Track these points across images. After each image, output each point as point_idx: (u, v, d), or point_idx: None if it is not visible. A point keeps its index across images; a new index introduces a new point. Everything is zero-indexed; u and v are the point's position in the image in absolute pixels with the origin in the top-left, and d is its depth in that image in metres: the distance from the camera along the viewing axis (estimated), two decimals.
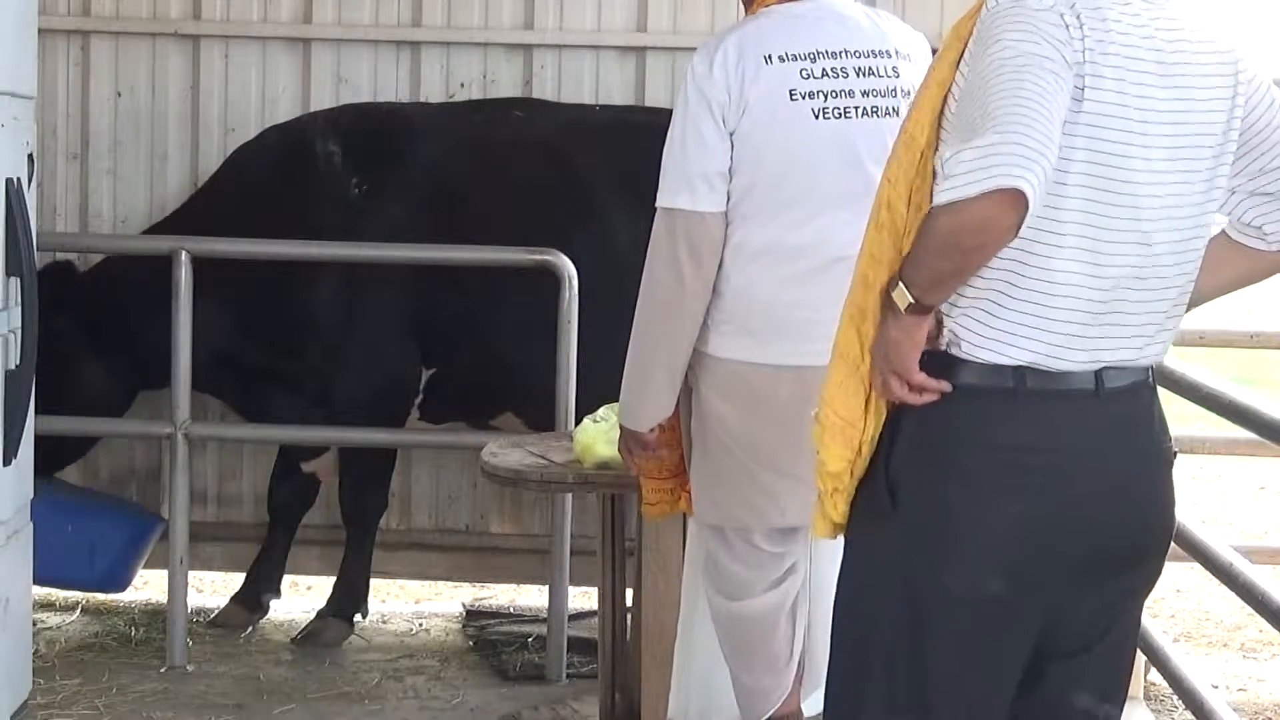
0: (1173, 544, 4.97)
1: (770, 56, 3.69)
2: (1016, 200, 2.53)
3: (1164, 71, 2.73)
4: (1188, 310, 2.91)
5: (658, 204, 3.73)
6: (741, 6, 3.90)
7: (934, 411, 2.74)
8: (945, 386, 2.73)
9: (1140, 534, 2.83)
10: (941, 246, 2.60)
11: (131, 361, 5.83)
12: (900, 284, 2.68)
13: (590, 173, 5.70)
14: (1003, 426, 2.73)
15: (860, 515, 2.83)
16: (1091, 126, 2.68)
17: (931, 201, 2.62)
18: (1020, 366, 2.72)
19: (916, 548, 2.75)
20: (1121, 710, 2.96)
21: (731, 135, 3.68)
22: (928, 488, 2.74)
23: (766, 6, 3.81)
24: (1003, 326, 2.73)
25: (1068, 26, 2.67)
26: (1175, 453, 2.89)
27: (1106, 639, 2.87)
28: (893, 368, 2.73)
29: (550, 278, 5.35)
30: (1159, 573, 2.91)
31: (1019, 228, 2.57)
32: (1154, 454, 2.84)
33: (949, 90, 2.76)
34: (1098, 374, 2.75)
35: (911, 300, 2.67)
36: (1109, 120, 2.68)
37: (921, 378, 2.72)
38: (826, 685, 2.94)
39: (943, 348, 2.76)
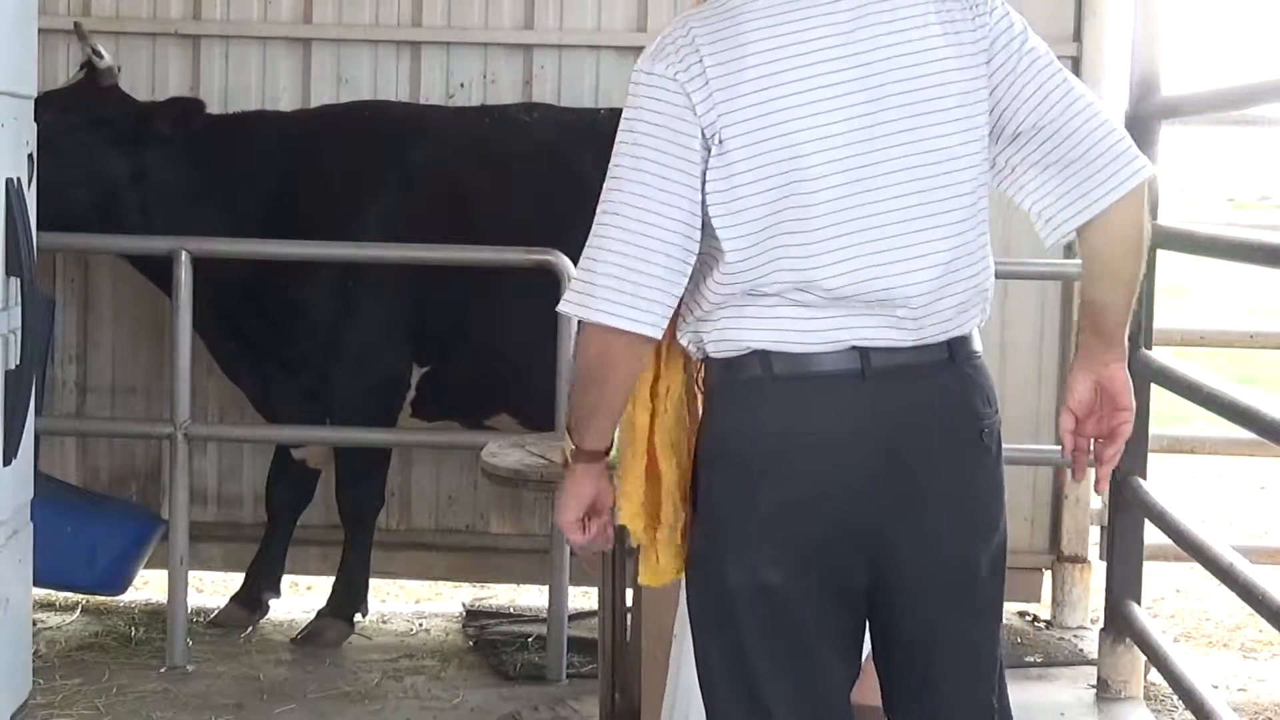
0: (1173, 544, 5.00)
1: None
2: (623, 334, 2.68)
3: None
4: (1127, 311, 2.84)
5: None
6: None
7: (706, 411, 2.81)
8: (606, 545, 2.89)
9: (933, 520, 2.73)
10: (580, 381, 2.78)
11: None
12: (568, 432, 2.82)
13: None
14: (751, 415, 2.74)
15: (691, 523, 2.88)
16: (751, 159, 2.67)
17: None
18: (764, 351, 2.71)
19: (709, 546, 2.79)
20: (1003, 696, 2.89)
21: None
22: (706, 487, 2.80)
23: None
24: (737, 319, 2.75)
25: (690, 98, 2.66)
26: (987, 429, 2.77)
27: (953, 627, 2.80)
28: (558, 518, 2.87)
29: (545, 277, 5.35)
30: (981, 561, 2.80)
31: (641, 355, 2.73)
32: (945, 434, 2.73)
33: None
34: (860, 352, 2.71)
35: (573, 447, 2.82)
36: (760, 150, 2.67)
37: (580, 538, 2.87)
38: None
39: (699, 358, 2.82)
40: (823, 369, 2.70)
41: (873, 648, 2.88)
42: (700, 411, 2.87)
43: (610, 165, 2.73)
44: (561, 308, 2.77)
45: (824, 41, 2.69)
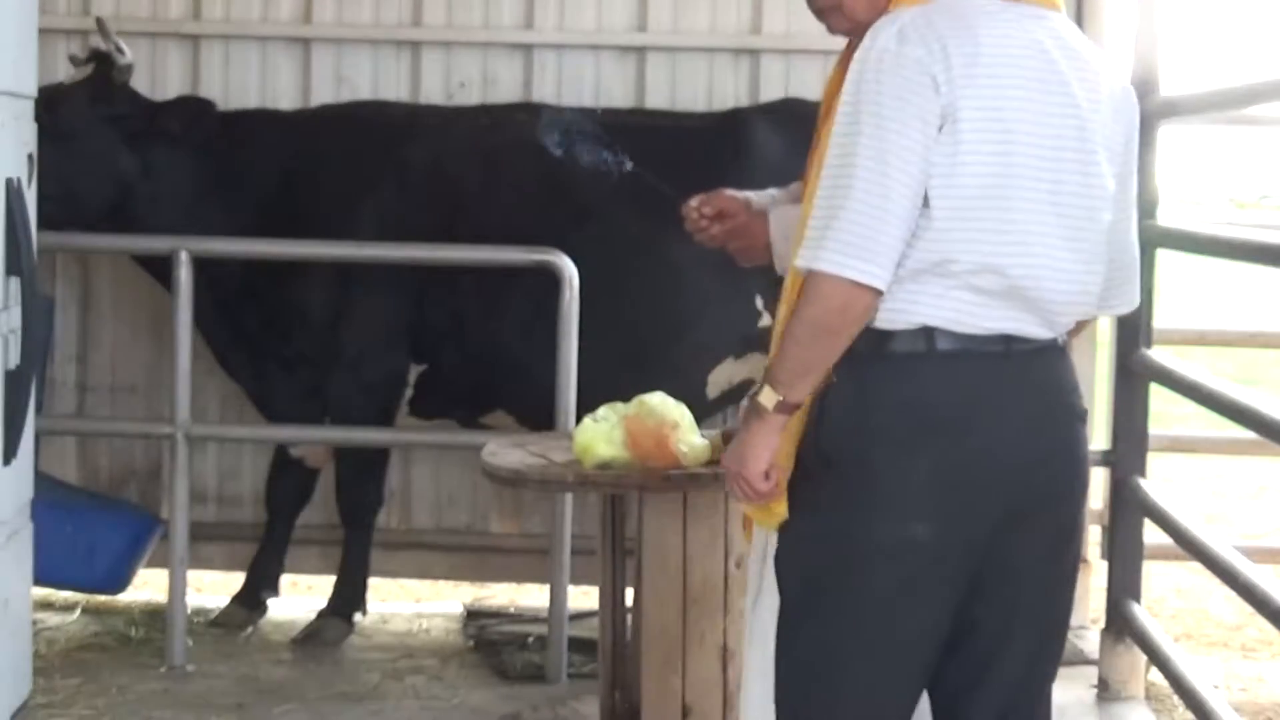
0: (1173, 544, 5.01)
1: None
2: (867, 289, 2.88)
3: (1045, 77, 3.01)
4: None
5: None
6: None
7: (855, 376, 2.97)
8: (781, 497, 3.04)
9: (1048, 482, 3.03)
10: (808, 334, 2.92)
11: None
12: (766, 386, 2.97)
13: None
14: (912, 385, 2.96)
15: (797, 482, 3.05)
16: (976, 146, 2.93)
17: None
18: (930, 328, 2.96)
19: (848, 504, 2.98)
20: (1055, 673, 3.23)
21: None
22: (854, 447, 2.97)
23: None
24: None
25: (933, 78, 2.91)
26: (1085, 410, 3.12)
27: (1034, 594, 3.08)
28: (744, 469, 3.01)
29: (546, 276, 5.35)
30: (1078, 526, 3.14)
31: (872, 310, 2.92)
32: (1062, 409, 3.06)
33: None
34: (1006, 338, 2.98)
35: (779, 399, 2.96)
36: (986, 138, 2.94)
37: (765, 488, 3.02)
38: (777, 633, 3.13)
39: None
40: (976, 348, 2.97)
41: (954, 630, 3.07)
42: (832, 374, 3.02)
43: (844, 134, 2.94)
44: (804, 262, 2.92)
45: (1037, 54, 3.00)
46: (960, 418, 2.95)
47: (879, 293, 2.90)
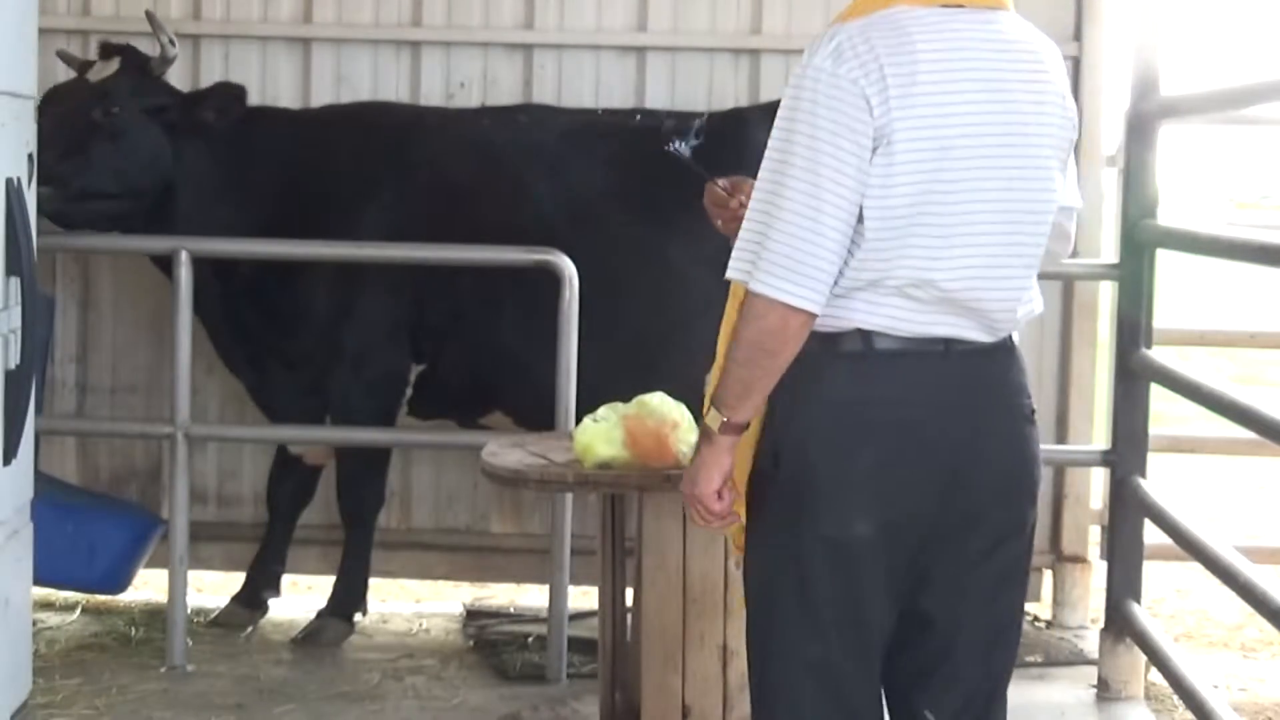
0: (1173, 544, 5.01)
1: None
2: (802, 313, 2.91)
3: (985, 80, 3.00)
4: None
5: None
6: None
7: (797, 379, 3.00)
8: (737, 519, 3.07)
9: (993, 481, 3.05)
10: (746, 355, 2.95)
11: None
12: (712, 408, 3.02)
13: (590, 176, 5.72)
14: (851, 384, 2.99)
15: (753, 482, 3.09)
16: (910, 164, 2.93)
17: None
18: (866, 330, 2.98)
19: (792, 506, 3.01)
20: (1010, 672, 3.21)
21: None
22: (796, 446, 3.01)
23: None
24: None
25: (868, 100, 2.90)
26: (1033, 409, 3.13)
27: (983, 591, 3.10)
28: (696, 489, 3.05)
29: (545, 276, 5.35)
30: (1027, 523, 3.14)
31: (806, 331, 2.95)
32: (1006, 409, 3.07)
33: None
34: (945, 340, 3.01)
35: (724, 419, 3.00)
36: (921, 154, 2.93)
37: (720, 508, 3.05)
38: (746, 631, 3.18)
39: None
40: (914, 349, 3.00)
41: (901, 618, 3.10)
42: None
43: (778, 151, 2.96)
44: (739, 278, 2.97)
45: (978, 62, 3.00)
46: (899, 415, 2.98)
47: (814, 315, 2.93)
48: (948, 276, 2.97)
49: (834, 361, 2.99)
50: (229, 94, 5.75)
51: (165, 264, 5.67)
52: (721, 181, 3.47)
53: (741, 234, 2.99)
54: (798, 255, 2.90)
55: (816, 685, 3.05)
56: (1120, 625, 5.32)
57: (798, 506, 3.01)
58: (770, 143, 2.98)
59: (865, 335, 2.98)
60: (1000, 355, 3.07)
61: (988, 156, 2.98)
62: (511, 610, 6.26)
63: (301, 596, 6.36)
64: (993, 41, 3.03)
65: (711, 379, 3.10)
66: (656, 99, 6.23)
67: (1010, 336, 3.11)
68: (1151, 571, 5.80)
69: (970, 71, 2.98)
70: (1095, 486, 6.32)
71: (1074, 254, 4.63)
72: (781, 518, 3.04)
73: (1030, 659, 5.71)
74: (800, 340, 2.95)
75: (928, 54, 2.96)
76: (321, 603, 5.94)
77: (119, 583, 5.96)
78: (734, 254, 2.99)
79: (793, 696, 3.06)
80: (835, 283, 2.94)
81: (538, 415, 5.45)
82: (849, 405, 2.98)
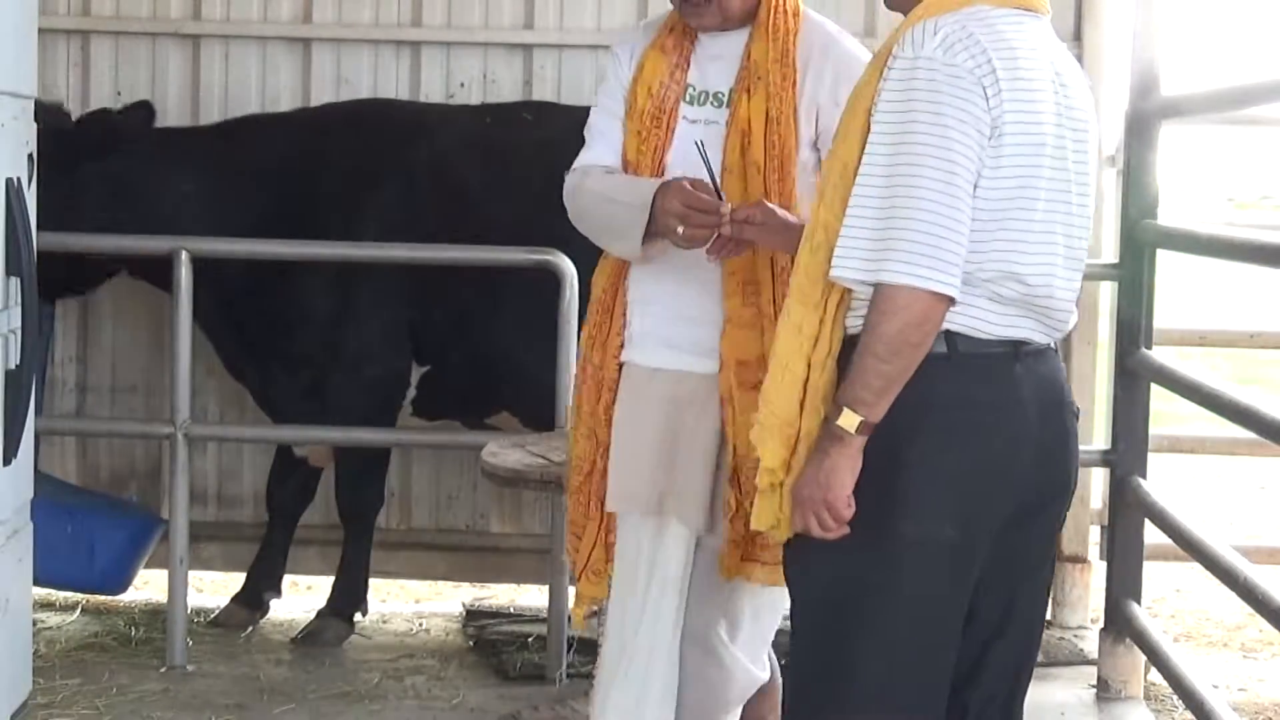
0: (1173, 544, 5.01)
1: None
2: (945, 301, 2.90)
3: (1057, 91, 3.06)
4: None
5: None
6: None
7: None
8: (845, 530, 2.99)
9: (1052, 476, 3.10)
10: (889, 350, 2.90)
11: None
12: (845, 409, 2.93)
13: None
14: (940, 386, 2.97)
15: None
16: (1014, 157, 2.96)
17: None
18: (951, 333, 2.98)
19: (880, 503, 2.97)
20: (1034, 664, 3.27)
21: None
22: (884, 449, 2.96)
23: None
24: None
25: (985, 89, 2.92)
26: (1078, 408, 3.20)
27: (1028, 586, 3.17)
28: (828, 494, 2.96)
29: (546, 276, 5.35)
30: (1063, 520, 3.24)
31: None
32: (1063, 405, 3.12)
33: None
34: (1014, 343, 3.03)
35: (861, 419, 2.93)
36: (1022, 148, 2.97)
37: (849, 514, 2.97)
38: (794, 637, 3.12)
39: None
40: (994, 350, 3.02)
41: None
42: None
43: (894, 140, 2.92)
44: (856, 276, 2.92)
45: (1049, 65, 3.06)
46: (984, 417, 2.99)
47: (954, 301, 2.91)
48: (1031, 272, 2.99)
49: (931, 363, 2.96)
50: (104, 119, 5.74)
51: (155, 276, 5.68)
52: (740, 213, 3.42)
53: (851, 231, 2.93)
54: (939, 242, 2.88)
55: (916, 681, 3.04)
56: (1120, 625, 5.32)
57: (889, 509, 2.98)
58: (879, 136, 2.94)
59: (950, 338, 2.98)
60: (1050, 355, 3.11)
61: (1064, 157, 3.03)
62: (511, 610, 6.26)
63: (301, 596, 6.36)
64: (1053, 46, 3.10)
65: (769, 391, 3.05)
66: None
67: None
68: (1151, 571, 5.80)
69: (1046, 73, 3.03)
70: (1095, 486, 6.32)
71: None
72: (865, 521, 2.98)
73: None
74: (938, 329, 2.94)
75: (1021, 51, 2.99)
76: (321, 603, 5.95)
77: (119, 583, 5.96)
78: (841, 253, 2.93)
79: (894, 695, 3.04)
80: None
81: (544, 415, 5.44)
82: (938, 407, 2.97)
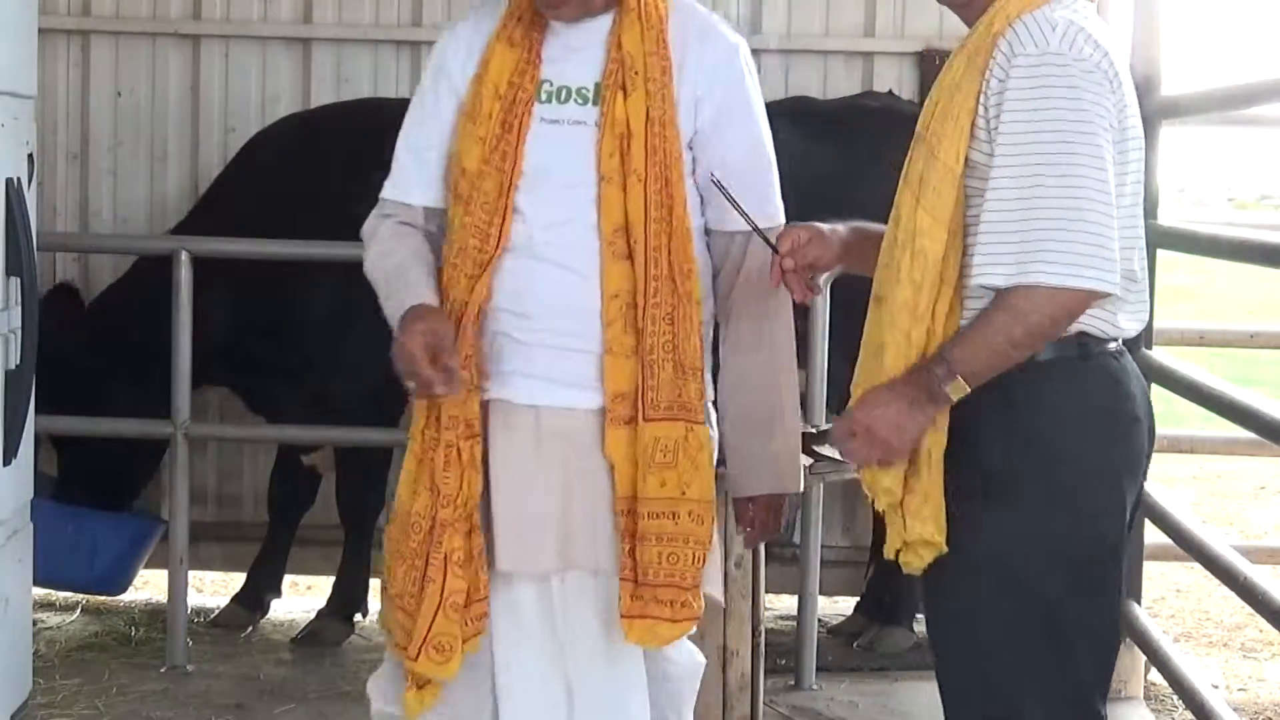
0: (1173, 544, 5.00)
1: None
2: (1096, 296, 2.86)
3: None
4: None
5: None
6: None
7: (1055, 382, 2.94)
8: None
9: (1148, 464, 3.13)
10: (1027, 340, 2.85)
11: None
12: (960, 379, 2.88)
13: None
14: (1100, 385, 2.97)
15: (972, 513, 2.95)
16: (1133, 152, 2.95)
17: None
18: (1084, 332, 2.95)
19: (1054, 502, 2.93)
20: None
21: None
22: (1047, 453, 2.92)
23: None
24: None
25: (1111, 82, 2.89)
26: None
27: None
28: (903, 446, 2.91)
29: None
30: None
31: None
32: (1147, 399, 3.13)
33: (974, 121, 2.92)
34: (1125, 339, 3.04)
35: (967, 390, 2.88)
36: (1133, 141, 2.96)
37: (905, 452, 2.93)
38: (954, 677, 3.06)
39: None
40: (1117, 348, 3.01)
41: None
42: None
43: (1040, 141, 2.84)
44: (1006, 283, 2.83)
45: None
46: (1134, 412, 3.01)
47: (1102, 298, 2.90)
48: (1139, 269, 2.98)
49: (1085, 363, 2.95)
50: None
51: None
52: (788, 263, 3.09)
53: (994, 236, 2.84)
54: (1099, 240, 2.81)
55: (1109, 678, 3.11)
56: (1120, 625, 5.32)
57: (1059, 508, 2.93)
58: (1011, 136, 2.85)
59: (1081, 339, 2.94)
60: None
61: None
62: None
63: (301, 596, 6.37)
64: None
65: (860, 387, 3.00)
66: None
67: None
68: (1151, 571, 5.80)
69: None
70: None
71: None
72: (1036, 520, 2.93)
73: None
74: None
75: (1112, 43, 2.95)
76: (321, 603, 5.95)
77: (119, 583, 5.97)
78: (988, 258, 2.85)
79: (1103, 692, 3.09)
80: None
81: None
82: (1098, 410, 2.96)
